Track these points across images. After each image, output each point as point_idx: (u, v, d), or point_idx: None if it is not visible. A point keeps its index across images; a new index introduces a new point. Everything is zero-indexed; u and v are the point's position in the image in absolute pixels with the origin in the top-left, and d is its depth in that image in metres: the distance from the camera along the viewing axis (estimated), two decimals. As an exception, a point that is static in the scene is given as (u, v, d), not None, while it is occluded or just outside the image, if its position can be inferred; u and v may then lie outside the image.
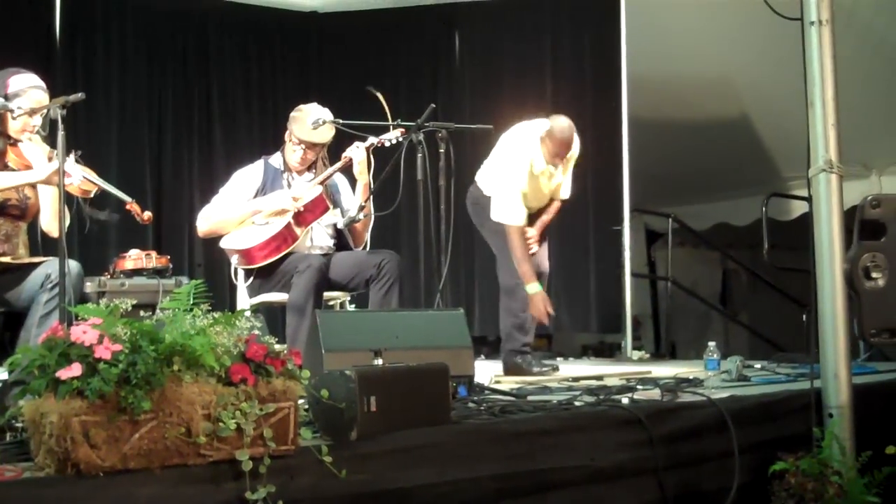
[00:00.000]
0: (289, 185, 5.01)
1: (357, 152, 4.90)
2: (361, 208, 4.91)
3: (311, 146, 4.97)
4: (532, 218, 5.47)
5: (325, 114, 4.94)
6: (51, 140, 4.02)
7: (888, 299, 1.80)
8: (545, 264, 5.64)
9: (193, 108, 7.20)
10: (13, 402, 2.46)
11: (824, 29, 3.64)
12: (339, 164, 4.98)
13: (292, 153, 5.00)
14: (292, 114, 5.04)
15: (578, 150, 5.43)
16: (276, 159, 5.09)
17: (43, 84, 4.11)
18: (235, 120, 7.37)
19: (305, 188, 4.95)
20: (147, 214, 4.48)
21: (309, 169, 5.08)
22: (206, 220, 4.98)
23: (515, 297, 5.29)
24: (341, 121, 4.92)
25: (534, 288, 5.17)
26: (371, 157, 4.90)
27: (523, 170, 5.23)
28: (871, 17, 6.51)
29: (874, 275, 1.78)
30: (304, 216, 4.89)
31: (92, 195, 4.19)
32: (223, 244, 4.93)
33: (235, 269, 5.01)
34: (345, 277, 4.88)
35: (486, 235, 5.47)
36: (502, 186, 5.22)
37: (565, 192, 5.65)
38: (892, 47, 6.77)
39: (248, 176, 5.05)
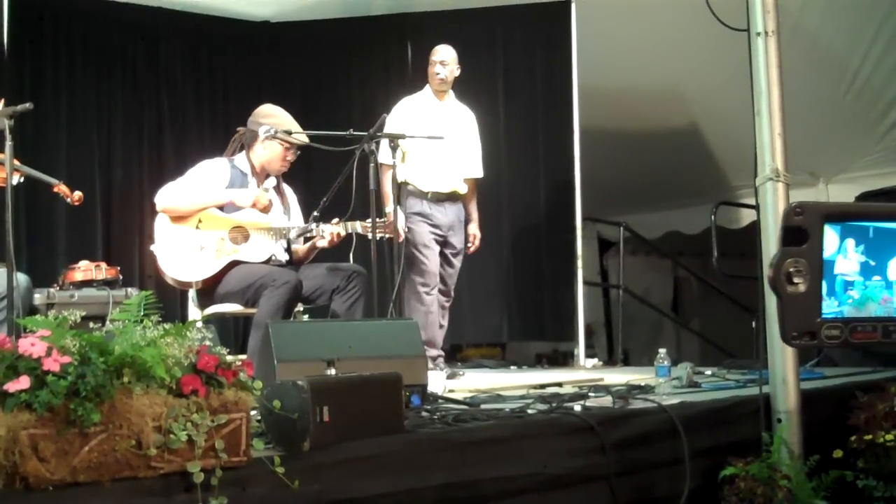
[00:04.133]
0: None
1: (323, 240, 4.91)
2: (316, 218, 4.90)
3: (294, 146, 4.94)
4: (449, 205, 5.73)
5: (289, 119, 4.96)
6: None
7: (809, 303, 1.84)
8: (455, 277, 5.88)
9: (143, 117, 7.13)
10: (-41, 415, 2.43)
11: (770, 40, 3.71)
12: (311, 243, 5.00)
13: (279, 159, 4.95)
14: (266, 120, 4.96)
15: (455, 64, 5.78)
16: (241, 162, 5.03)
17: None
18: (186, 129, 7.31)
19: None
20: (77, 194, 4.42)
21: (267, 177, 5.06)
22: (170, 200, 4.86)
23: None
24: (293, 130, 4.91)
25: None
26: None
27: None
28: (817, 29, 6.63)
29: (796, 280, 1.82)
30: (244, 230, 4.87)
31: (16, 182, 4.12)
32: (166, 269, 4.86)
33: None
34: (311, 289, 4.84)
35: None
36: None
37: (476, 170, 5.92)
38: (837, 58, 6.89)
39: (216, 169, 4.96)
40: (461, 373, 5.78)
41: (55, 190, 4.34)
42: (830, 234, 1.83)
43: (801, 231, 1.82)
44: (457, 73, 5.83)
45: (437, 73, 5.75)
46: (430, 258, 5.64)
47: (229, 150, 5.09)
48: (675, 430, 3.51)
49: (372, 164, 4.61)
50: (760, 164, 3.70)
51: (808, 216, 1.83)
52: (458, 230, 5.79)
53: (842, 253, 1.85)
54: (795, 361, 3.72)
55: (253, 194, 4.85)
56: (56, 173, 6.52)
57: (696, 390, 4.36)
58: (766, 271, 1.83)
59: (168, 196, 4.89)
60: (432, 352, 5.46)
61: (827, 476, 3.51)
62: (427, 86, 5.85)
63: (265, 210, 4.86)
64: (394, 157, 4.79)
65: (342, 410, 2.77)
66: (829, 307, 1.85)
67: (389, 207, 5.21)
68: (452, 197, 5.76)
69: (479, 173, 5.97)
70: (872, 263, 1.87)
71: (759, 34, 3.72)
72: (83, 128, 6.84)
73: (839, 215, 1.86)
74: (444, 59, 5.75)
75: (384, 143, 4.97)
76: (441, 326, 5.80)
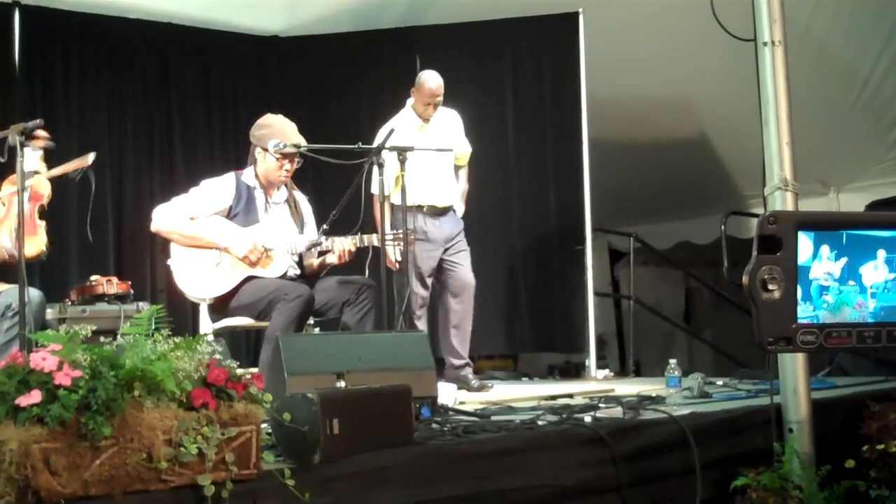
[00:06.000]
0: (265, 209, 4.99)
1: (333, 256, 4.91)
2: (325, 232, 4.91)
3: (291, 157, 4.93)
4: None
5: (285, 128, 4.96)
6: (9, 166, 3.99)
7: (783, 310, 1.87)
8: (471, 277, 5.83)
9: (154, 132, 7.15)
10: (-28, 430, 2.44)
11: (777, 49, 3.71)
12: (323, 258, 5.00)
13: (276, 169, 4.93)
14: (259, 132, 4.97)
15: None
16: (248, 176, 5.03)
17: None
18: (196, 144, 7.33)
19: (277, 235, 4.93)
20: (91, 156, 4.39)
21: (278, 188, 5.06)
22: (165, 223, 4.90)
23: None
24: (289, 137, 4.91)
25: None
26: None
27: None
28: (825, 37, 6.63)
29: (770, 287, 1.85)
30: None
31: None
32: (181, 285, 4.88)
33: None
34: (322, 302, 4.83)
35: None
36: None
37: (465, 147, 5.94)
38: (846, 66, 6.89)
39: (219, 189, 4.97)
40: (490, 385, 5.74)
41: (76, 168, 4.35)
42: (805, 241, 1.87)
43: (775, 239, 1.85)
44: None
45: (429, 107, 5.69)
46: (416, 283, 5.60)
47: (248, 162, 5.10)
48: (687, 440, 3.50)
49: (381, 177, 4.62)
50: (769, 174, 3.70)
51: (782, 225, 1.86)
52: (455, 238, 5.76)
53: (817, 259, 1.89)
54: (806, 371, 3.71)
55: (247, 247, 4.82)
56: (67, 189, 6.58)
57: (707, 401, 4.35)
58: (743, 279, 1.87)
59: (164, 219, 4.91)
60: None
61: (839, 486, 3.50)
62: (409, 103, 5.77)
63: (253, 266, 4.84)
64: (402, 169, 4.79)
65: (352, 423, 2.78)
66: (805, 312, 1.88)
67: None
68: (447, 210, 5.74)
69: (467, 148, 5.95)
70: (847, 269, 1.91)
71: (765, 44, 3.72)
72: (94, 144, 6.82)
73: (812, 223, 1.90)
74: (440, 97, 5.68)
75: (374, 174, 4.93)
76: (465, 334, 5.79)
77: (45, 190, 4.18)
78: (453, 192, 5.80)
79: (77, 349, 2.35)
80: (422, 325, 5.60)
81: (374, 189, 5.05)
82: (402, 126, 5.56)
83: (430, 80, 5.68)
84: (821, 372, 5.16)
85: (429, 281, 5.69)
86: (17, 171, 3.62)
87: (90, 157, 4.40)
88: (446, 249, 5.72)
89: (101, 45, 6.95)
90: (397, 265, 5.15)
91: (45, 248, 4.53)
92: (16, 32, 6.62)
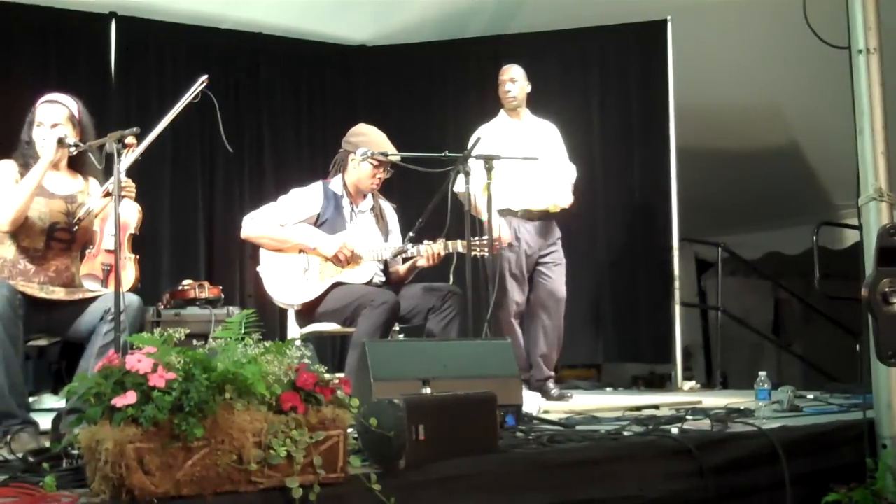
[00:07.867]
0: (351, 216, 5.04)
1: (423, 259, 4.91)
2: (411, 239, 4.93)
3: (384, 166, 4.96)
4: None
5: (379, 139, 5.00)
6: (106, 173, 4.09)
7: None
8: (562, 290, 5.77)
9: (244, 140, 7.27)
10: (69, 429, 2.52)
11: (872, 57, 3.64)
12: (411, 264, 5.00)
13: (369, 177, 4.96)
14: (354, 138, 5.00)
15: (524, 81, 5.77)
16: (335, 184, 5.06)
17: (59, 97, 4.09)
18: (286, 152, 7.45)
19: (362, 239, 4.96)
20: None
21: (364, 197, 5.11)
22: (255, 229, 4.92)
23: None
24: (384, 148, 4.93)
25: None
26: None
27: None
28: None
29: (892, 300, 1.81)
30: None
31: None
32: (271, 292, 4.94)
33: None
34: (407, 309, 4.84)
35: None
36: None
37: (564, 198, 5.70)
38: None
39: (308, 197, 5.00)
40: (569, 394, 5.72)
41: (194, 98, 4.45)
42: None
43: (895, 252, 1.81)
44: (528, 89, 5.78)
45: (508, 91, 5.72)
46: (513, 288, 5.61)
47: (332, 172, 5.15)
48: (776, 454, 3.44)
49: (467, 185, 4.62)
50: (863, 184, 3.63)
51: (904, 236, 1.81)
52: (551, 247, 5.71)
53: (943, 273, 1.83)
54: (901, 385, 3.62)
55: (337, 246, 4.84)
56: (160, 197, 6.76)
57: (797, 414, 4.28)
58: (862, 292, 1.82)
59: (254, 225, 4.94)
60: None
61: (935, 504, 3.40)
62: (501, 111, 5.80)
63: (342, 264, 4.87)
64: (489, 178, 4.77)
65: (437, 429, 2.80)
66: None
67: (484, 216, 5.19)
68: (544, 216, 5.68)
69: (566, 201, 5.69)
70: None
71: (860, 51, 3.66)
72: (186, 151, 7.01)
73: (934, 235, 1.85)
74: (514, 77, 5.74)
75: (461, 177, 4.88)
76: (552, 347, 5.76)
77: (133, 217, 4.21)
78: (548, 196, 5.68)
79: (171, 352, 2.40)
80: (513, 329, 5.63)
81: (459, 187, 4.98)
82: (496, 127, 5.67)
83: (505, 66, 5.83)
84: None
85: (526, 287, 5.69)
86: (114, 178, 3.70)
87: (200, 81, 4.45)
88: (540, 258, 5.70)
89: (193, 54, 7.10)
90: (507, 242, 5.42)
91: (133, 284, 4.62)
92: (112, 42, 6.81)
